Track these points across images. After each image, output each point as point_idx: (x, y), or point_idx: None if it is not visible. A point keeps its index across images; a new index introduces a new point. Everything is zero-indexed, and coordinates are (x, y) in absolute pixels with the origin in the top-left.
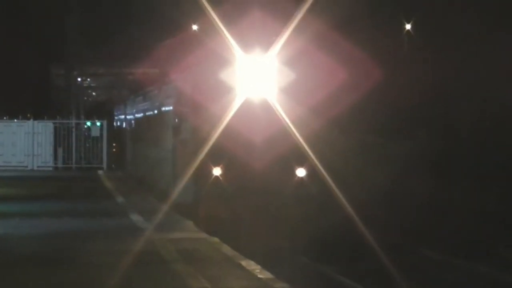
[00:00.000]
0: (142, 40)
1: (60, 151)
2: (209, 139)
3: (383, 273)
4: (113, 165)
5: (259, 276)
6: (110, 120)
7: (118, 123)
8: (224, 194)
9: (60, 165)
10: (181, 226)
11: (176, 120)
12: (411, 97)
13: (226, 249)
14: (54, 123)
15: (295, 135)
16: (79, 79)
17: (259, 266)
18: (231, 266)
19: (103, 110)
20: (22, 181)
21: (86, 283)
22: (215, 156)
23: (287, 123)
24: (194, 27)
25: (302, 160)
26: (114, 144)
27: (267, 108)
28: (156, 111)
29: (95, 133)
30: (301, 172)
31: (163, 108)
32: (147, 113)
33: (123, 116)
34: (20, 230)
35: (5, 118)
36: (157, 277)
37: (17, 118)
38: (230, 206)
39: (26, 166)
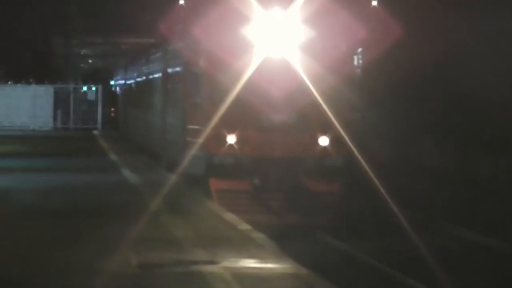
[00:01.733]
0: (138, 11)
1: (59, 113)
2: (224, 103)
3: (407, 253)
4: (106, 126)
5: (239, 227)
6: (105, 85)
7: (116, 88)
8: (239, 165)
9: (59, 125)
10: (166, 180)
11: (188, 81)
12: (430, 57)
13: (211, 204)
14: (54, 87)
15: (318, 98)
16: (77, 48)
17: (236, 217)
18: (214, 218)
19: (99, 76)
20: (25, 140)
21: (83, 230)
22: (230, 122)
23: (308, 84)
24: None
25: (326, 127)
26: (112, 109)
27: (288, 67)
28: (160, 74)
29: (91, 97)
30: (324, 141)
31: (170, 70)
32: (149, 77)
33: (119, 81)
34: (23, 183)
35: (9, 82)
36: (146, 226)
37: (20, 83)
38: (245, 178)
39: (29, 127)
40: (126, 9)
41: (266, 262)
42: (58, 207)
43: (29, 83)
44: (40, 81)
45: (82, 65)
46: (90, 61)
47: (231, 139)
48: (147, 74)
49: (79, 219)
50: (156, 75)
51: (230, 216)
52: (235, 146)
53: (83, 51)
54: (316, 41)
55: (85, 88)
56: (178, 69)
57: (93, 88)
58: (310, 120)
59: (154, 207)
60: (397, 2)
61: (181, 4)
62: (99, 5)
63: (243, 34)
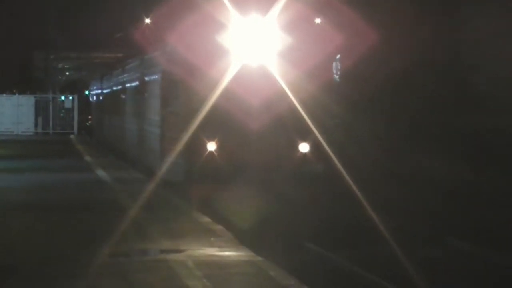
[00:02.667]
0: (109, 29)
1: (39, 119)
2: (203, 110)
3: (389, 262)
4: (82, 132)
5: (199, 220)
6: (80, 95)
7: (93, 97)
8: (219, 172)
9: (39, 130)
10: (137, 180)
11: (166, 89)
12: (408, 62)
13: (177, 200)
14: (35, 97)
15: (296, 105)
16: (55, 62)
17: (200, 214)
18: (179, 213)
19: (75, 87)
20: (9, 144)
21: (63, 224)
22: (210, 129)
23: (287, 91)
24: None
25: (305, 134)
26: (89, 117)
27: (265, 75)
28: (137, 82)
29: (67, 105)
30: (304, 147)
31: (147, 78)
32: (125, 85)
33: (95, 91)
34: (8, 182)
35: None
36: (116, 221)
37: (5, 93)
38: (225, 185)
39: (13, 132)
40: (98, 27)
41: (223, 251)
42: (38, 203)
43: (12, 93)
44: (22, 91)
45: (59, 77)
46: (67, 73)
47: (211, 146)
48: (123, 83)
49: (57, 213)
50: (133, 84)
51: (193, 212)
52: (215, 153)
53: (60, 65)
54: (294, 48)
55: (62, 98)
56: (155, 77)
57: (70, 98)
58: (289, 127)
59: (124, 203)
60: (374, 8)
61: (148, 23)
62: (75, 24)
63: (220, 42)
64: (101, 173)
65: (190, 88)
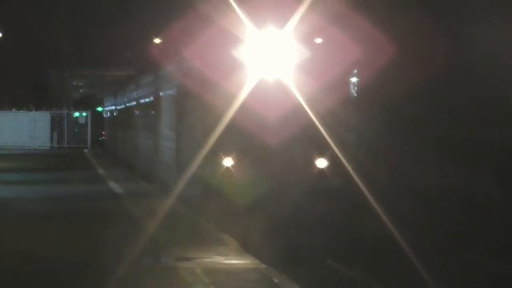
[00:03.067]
0: (121, 49)
1: (55, 134)
2: (220, 125)
3: (417, 279)
4: (95, 146)
5: (215, 235)
6: (93, 111)
7: (107, 113)
8: (236, 187)
9: (55, 145)
10: (147, 191)
11: (181, 104)
12: (429, 76)
13: (180, 208)
14: (50, 113)
15: (314, 120)
16: (69, 80)
17: (215, 228)
18: (181, 220)
19: (88, 103)
20: (26, 157)
21: (76, 232)
22: (226, 145)
23: (304, 105)
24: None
25: (323, 149)
26: (103, 132)
27: (282, 89)
28: (151, 97)
29: (81, 121)
30: (321, 163)
31: (162, 93)
32: (140, 101)
33: (109, 107)
34: (25, 194)
35: (13, 109)
36: (127, 230)
37: (22, 109)
38: (243, 201)
39: (29, 146)
40: (110, 47)
41: (230, 259)
42: (54, 212)
43: (29, 109)
44: (38, 107)
45: (74, 94)
46: (81, 90)
47: (228, 162)
48: (137, 99)
49: (71, 222)
50: (147, 99)
51: (196, 219)
52: (232, 169)
53: (74, 82)
54: (311, 62)
55: (76, 114)
56: (170, 92)
57: (84, 114)
58: (307, 142)
59: (136, 213)
60: (392, 21)
61: (157, 43)
62: (89, 44)
63: (236, 55)
64: (112, 184)
65: (206, 103)
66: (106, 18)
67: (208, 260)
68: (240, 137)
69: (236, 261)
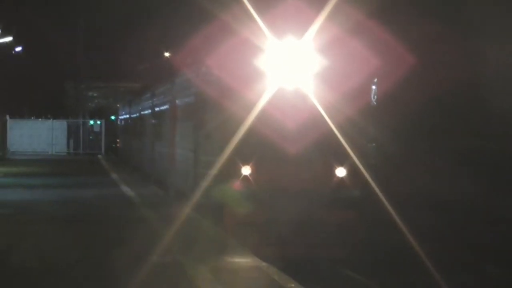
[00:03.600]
0: (133, 62)
1: (71, 141)
2: (238, 134)
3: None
4: (109, 152)
5: (227, 242)
6: (107, 120)
7: (121, 121)
8: (254, 197)
9: (71, 151)
10: (156, 194)
11: (200, 112)
12: (446, 87)
13: (188, 208)
14: (67, 121)
15: (333, 129)
16: (85, 91)
17: (230, 236)
18: (186, 220)
19: (102, 113)
20: (45, 162)
21: (92, 234)
22: (245, 153)
23: (323, 114)
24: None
25: (342, 158)
26: (117, 140)
27: (302, 98)
28: (168, 106)
29: (96, 129)
30: (341, 172)
31: (179, 101)
32: (155, 109)
33: (123, 115)
34: (43, 196)
35: (32, 118)
36: (139, 231)
37: (41, 118)
38: (261, 210)
39: (48, 152)
40: (123, 59)
41: (233, 258)
42: (71, 214)
43: (47, 118)
44: (56, 116)
45: (89, 104)
46: (95, 100)
47: (246, 170)
48: (153, 107)
49: (93, 224)
50: (164, 107)
51: (198, 218)
52: (250, 178)
53: (90, 93)
54: (330, 71)
55: (91, 122)
56: (188, 100)
57: (98, 122)
58: (326, 151)
59: (146, 216)
60: (409, 31)
61: (167, 56)
62: (103, 57)
63: (255, 64)
64: (124, 188)
65: (225, 111)
66: (120, 32)
67: (215, 261)
68: (258, 145)
69: (238, 260)
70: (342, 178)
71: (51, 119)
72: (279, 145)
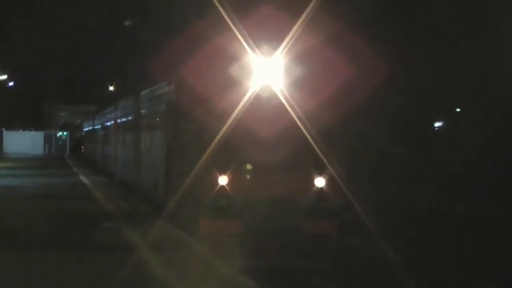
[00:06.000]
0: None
1: (46, 146)
2: (214, 143)
3: None
4: (72, 154)
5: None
6: (71, 131)
7: (85, 132)
8: (231, 207)
9: (46, 152)
10: (104, 181)
11: (173, 122)
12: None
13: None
14: (44, 132)
15: (311, 138)
16: (56, 111)
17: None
18: (122, 197)
19: (68, 126)
20: (28, 160)
21: (62, 207)
22: (221, 163)
23: (300, 123)
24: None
25: (320, 167)
26: (82, 147)
27: (278, 106)
28: (131, 116)
29: (63, 138)
30: (319, 181)
31: (147, 110)
32: (117, 121)
33: (87, 128)
34: (26, 182)
35: (20, 130)
36: (90, 205)
37: (26, 130)
38: (238, 221)
39: (30, 153)
40: (80, 90)
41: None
42: (47, 194)
43: (31, 130)
44: (36, 129)
45: (59, 120)
46: (64, 117)
47: (223, 180)
48: (116, 119)
49: (60, 201)
50: (127, 118)
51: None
52: (227, 188)
53: (60, 113)
54: (306, 80)
55: (60, 133)
56: (158, 109)
57: (65, 133)
58: (304, 160)
59: (95, 195)
60: (383, 43)
61: (111, 90)
62: (72, 87)
63: (231, 73)
64: (82, 177)
65: (200, 120)
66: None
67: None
68: (234, 155)
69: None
70: (321, 187)
71: (33, 131)
72: (256, 154)
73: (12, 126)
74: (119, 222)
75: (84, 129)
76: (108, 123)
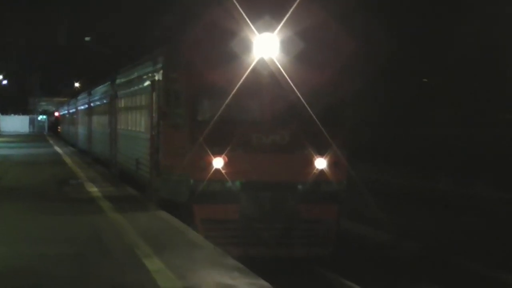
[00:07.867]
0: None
1: (31, 126)
2: (209, 123)
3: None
4: (50, 132)
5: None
6: (48, 116)
7: (62, 116)
8: (226, 192)
9: (31, 131)
10: (73, 151)
11: (165, 101)
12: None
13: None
14: (29, 117)
15: (312, 118)
16: (38, 102)
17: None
18: (88, 164)
19: (47, 112)
20: (17, 136)
21: (42, 169)
22: (216, 144)
23: (302, 103)
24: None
25: (322, 149)
26: (59, 127)
27: (278, 84)
28: (105, 100)
29: (42, 120)
30: (321, 163)
31: (131, 90)
32: (90, 105)
33: (62, 112)
34: (16, 152)
35: (13, 114)
36: (64, 168)
37: (17, 114)
38: (233, 206)
39: (19, 131)
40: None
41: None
42: (32, 160)
43: (20, 115)
44: (24, 113)
45: (39, 108)
46: (44, 106)
47: (218, 162)
48: (89, 103)
49: (41, 165)
50: (101, 102)
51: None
52: (222, 171)
53: (41, 103)
54: (308, 58)
55: (41, 117)
56: (140, 88)
57: (44, 117)
58: (305, 141)
59: (66, 160)
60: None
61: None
62: (48, 84)
63: (230, 49)
64: (57, 148)
65: (195, 99)
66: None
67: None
68: (231, 136)
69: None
70: (322, 170)
71: (21, 115)
72: (253, 135)
73: (7, 112)
74: (82, 180)
75: (61, 113)
76: (82, 107)
